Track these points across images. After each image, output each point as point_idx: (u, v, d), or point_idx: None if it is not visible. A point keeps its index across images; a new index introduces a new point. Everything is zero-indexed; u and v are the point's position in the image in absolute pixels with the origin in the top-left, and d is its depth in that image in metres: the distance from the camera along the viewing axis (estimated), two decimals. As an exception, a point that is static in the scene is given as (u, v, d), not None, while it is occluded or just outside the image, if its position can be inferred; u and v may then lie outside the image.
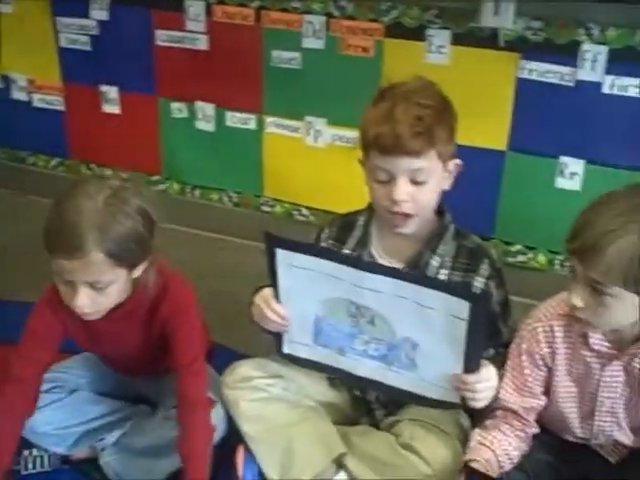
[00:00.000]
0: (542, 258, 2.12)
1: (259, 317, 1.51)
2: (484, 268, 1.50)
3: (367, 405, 1.64)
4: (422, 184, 1.42)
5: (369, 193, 1.49)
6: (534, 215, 2.09)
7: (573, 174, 2.01)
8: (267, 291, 1.48)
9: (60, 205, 1.36)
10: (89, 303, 1.39)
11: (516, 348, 1.48)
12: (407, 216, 1.45)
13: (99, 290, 1.38)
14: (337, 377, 1.58)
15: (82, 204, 1.33)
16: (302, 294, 1.44)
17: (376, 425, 1.60)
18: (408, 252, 1.53)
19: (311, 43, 2.16)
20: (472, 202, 2.14)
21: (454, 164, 1.49)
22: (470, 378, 1.35)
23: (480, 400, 1.38)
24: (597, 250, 1.22)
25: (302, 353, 1.53)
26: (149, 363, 1.67)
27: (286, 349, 1.55)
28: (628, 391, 1.44)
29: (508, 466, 1.42)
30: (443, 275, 1.51)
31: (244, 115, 2.33)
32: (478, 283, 1.50)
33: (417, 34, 2.03)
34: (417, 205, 1.44)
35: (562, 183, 2.03)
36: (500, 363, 1.44)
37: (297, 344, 1.53)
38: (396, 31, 2.05)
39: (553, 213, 2.05)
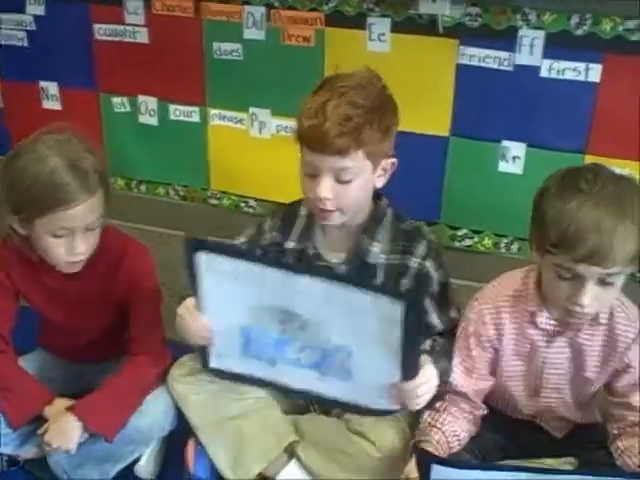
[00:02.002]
0: (488, 241, 2.15)
1: (182, 330, 1.46)
2: (421, 249, 1.53)
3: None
4: (347, 182, 1.43)
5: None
6: (478, 199, 2.11)
7: (515, 158, 2.04)
8: (189, 301, 1.44)
9: (27, 170, 1.46)
10: (86, 248, 1.52)
11: (463, 331, 1.51)
12: (331, 211, 1.46)
13: (92, 231, 1.52)
14: (271, 389, 1.54)
15: (51, 161, 1.48)
16: (227, 302, 1.39)
17: (327, 412, 1.61)
18: (349, 242, 1.54)
19: (252, 34, 2.14)
20: (417, 188, 2.16)
21: (389, 163, 1.50)
22: (409, 385, 1.33)
23: (421, 403, 1.37)
24: (612, 249, 1.25)
25: (231, 366, 1.48)
26: (104, 342, 1.67)
27: (213, 363, 1.49)
28: (573, 367, 1.48)
29: (457, 447, 1.45)
30: (382, 259, 1.52)
31: (187, 108, 2.31)
32: (414, 263, 1.52)
33: (357, 23, 2.03)
34: (341, 202, 1.45)
35: (505, 167, 2.05)
36: (439, 355, 1.44)
37: (225, 357, 1.47)
38: (336, 20, 2.05)
39: (497, 197, 2.08)
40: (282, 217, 1.63)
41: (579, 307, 1.32)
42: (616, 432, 1.47)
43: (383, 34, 2.03)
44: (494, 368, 1.51)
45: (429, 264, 1.53)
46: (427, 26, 1.97)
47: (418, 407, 1.38)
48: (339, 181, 1.43)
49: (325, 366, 1.41)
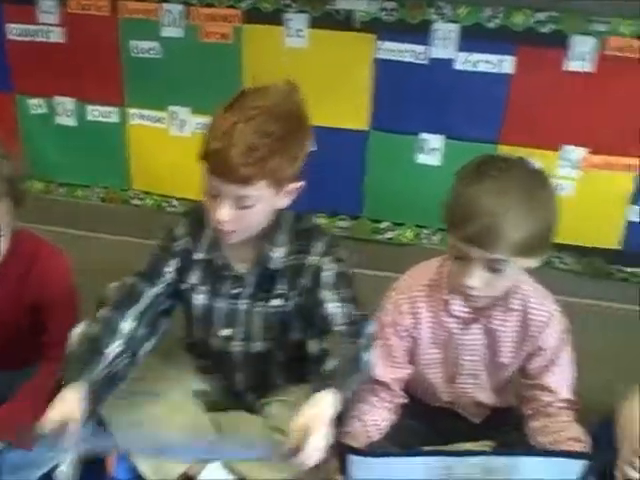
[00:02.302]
0: (410, 233, 2.18)
1: None
2: (319, 246, 1.50)
3: (236, 391, 1.65)
4: (248, 208, 1.39)
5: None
6: (399, 192, 2.14)
7: (433, 150, 2.07)
8: None
9: None
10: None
11: (380, 320, 1.52)
12: (227, 233, 1.43)
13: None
14: None
15: None
16: None
17: (249, 409, 1.61)
18: (254, 250, 1.51)
19: (170, 32, 2.12)
20: (339, 183, 2.18)
21: (295, 186, 1.45)
22: None
23: None
24: (498, 233, 1.26)
25: None
26: (20, 347, 1.64)
27: None
28: (488, 353, 1.51)
29: (377, 436, 1.46)
30: (282, 263, 1.50)
31: (106, 108, 2.27)
32: (312, 261, 1.49)
33: (275, 19, 2.03)
34: (239, 225, 1.42)
35: (423, 159, 2.08)
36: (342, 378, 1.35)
37: None
38: (254, 17, 2.04)
39: (417, 189, 2.11)
40: (191, 223, 1.57)
41: (468, 289, 1.34)
42: (530, 413, 1.50)
43: (301, 30, 2.03)
44: (412, 357, 1.53)
45: (326, 259, 1.50)
46: (344, 21, 1.99)
47: None
48: (239, 207, 1.38)
49: None
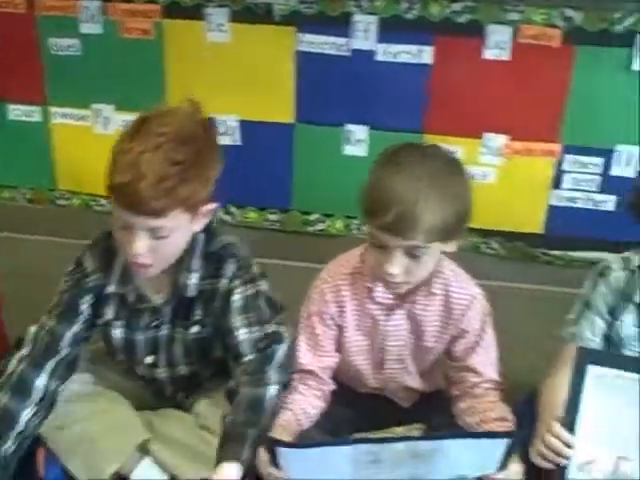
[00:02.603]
0: (339, 224, 2.20)
1: None
2: (229, 269, 1.47)
3: (164, 389, 1.64)
4: (164, 238, 1.34)
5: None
6: (327, 183, 2.16)
7: (359, 141, 2.09)
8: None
9: None
10: None
11: (307, 310, 1.53)
12: (143, 267, 1.39)
13: None
14: None
15: None
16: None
17: (178, 406, 1.61)
18: (170, 278, 1.48)
19: (89, 28, 2.09)
20: (268, 177, 2.19)
21: (208, 209, 1.41)
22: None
23: None
24: (414, 220, 1.28)
25: None
26: None
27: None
28: (413, 338, 1.53)
29: (307, 424, 1.47)
30: (195, 290, 1.47)
31: (27, 108, 2.23)
32: (223, 285, 1.47)
33: (196, 13, 2.02)
34: (157, 257, 1.37)
35: (350, 150, 2.10)
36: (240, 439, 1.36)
37: None
38: (174, 11, 2.03)
39: (344, 180, 2.12)
40: (100, 255, 1.49)
41: (388, 276, 1.37)
42: (457, 394, 1.53)
43: (222, 24, 2.03)
44: (339, 344, 1.55)
45: (236, 282, 1.47)
46: (265, 15, 1.99)
47: None
48: (155, 238, 1.33)
49: None
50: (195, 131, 1.35)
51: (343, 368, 1.58)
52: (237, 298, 1.47)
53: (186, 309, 1.50)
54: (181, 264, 1.46)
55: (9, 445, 1.41)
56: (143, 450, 1.51)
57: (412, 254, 1.34)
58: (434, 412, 1.58)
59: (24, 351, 1.49)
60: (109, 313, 1.52)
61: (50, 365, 1.48)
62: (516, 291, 2.21)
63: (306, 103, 2.08)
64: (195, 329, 1.51)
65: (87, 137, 2.22)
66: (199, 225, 1.42)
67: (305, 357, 1.52)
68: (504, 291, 2.20)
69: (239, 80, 2.07)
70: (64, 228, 2.25)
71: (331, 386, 1.55)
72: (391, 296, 1.49)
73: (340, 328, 1.53)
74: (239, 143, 2.14)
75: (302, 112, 2.09)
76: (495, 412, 1.46)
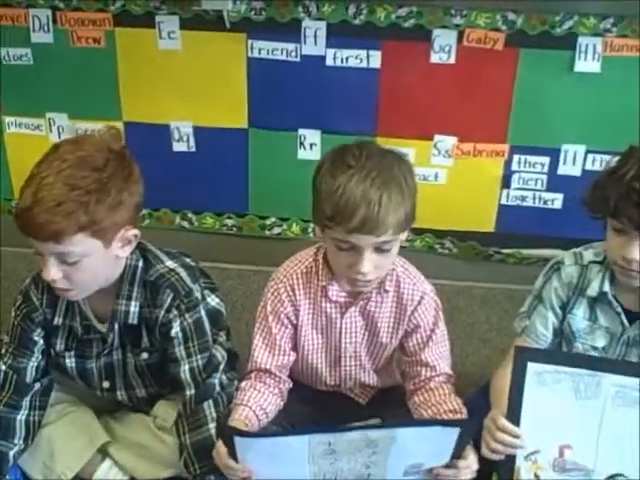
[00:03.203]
0: (296, 228, 2.22)
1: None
2: (167, 301, 1.48)
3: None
4: (75, 264, 1.34)
5: None
6: (283, 187, 2.18)
7: (312, 145, 2.12)
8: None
9: None
10: None
11: (262, 310, 1.56)
12: (67, 290, 1.40)
13: None
14: None
15: None
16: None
17: (137, 409, 1.62)
18: (110, 306, 1.49)
19: (40, 38, 2.09)
20: (224, 182, 2.21)
21: (130, 235, 1.41)
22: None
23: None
24: (381, 217, 1.33)
25: None
26: None
27: None
28: (367, 335, 1.57)
29: (265, 420, 1.49)
30: (137, 317, 1.49)
31: (-20, 118, 2.22)
32: (162, 316, 1.48)
33: (146, 21, 2.03)
34: (73, 284, 1.38)
35: (303, 154, 2.13)
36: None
37: None
38: (125, 20, 2.04)
39: (300, 183, 2.11)
40: (44, 288, 1.51)
41: (361, 275, 1.40)
42: (412, 388, 1.56)
43: (173, 32, 2.04)
44: (295, 343, 1.57)
45: (174, 313, 1.48)
46: (215, 22, 2.02)
47: None
48: (66, 263, 1.34)
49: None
50: (105, 158, 1.35)
51: (300, 366, 1.60)
52: (176, 330, 1.49)
53: (135, 336, 1.52)
54: (119, 292, 1.47)
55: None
56: (104, 453, 1.52)
57: (382, 249, 1.38)
58: (390, 407, 1.61)
59: None
60: (59, 344, 1.53)
61: (26, 401, 1.51)
62: (471, 289, 2.26)
63: (259, 108, 2.11)
64: (145, 355, 1.54)
65: (42, 146, 2.15)
66: (122, 251, 1.42)
67: (261, 356, 1.54)
68: (459, 290, 2.26)
69: (192, 87, 2.09)
70: (22, 238, 2.23)
71: (288, 384, 1.57)
72: (344, 294, 1.53)
73: (296, 327, 1.56)
74: (193, 149, 2.16)
75: (256, 117, 2.12)
76: (448, 404, 1.50)
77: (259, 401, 1.49)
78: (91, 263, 1.36)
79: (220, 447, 1.30)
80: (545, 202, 2.15)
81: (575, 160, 2.09)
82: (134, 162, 1.42)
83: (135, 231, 1.42)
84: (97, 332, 1.51)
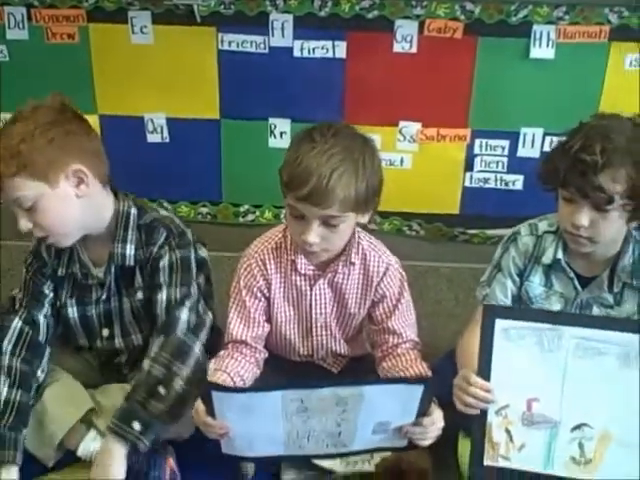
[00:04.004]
0: (268, 214, 2.30)
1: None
2: (161, 238, 1.60)
3: (116, 366, 1.72)
4: (33, 210, 1.46)
5: None
6: (255, 175, 2.26)
7: (282, 133, 2.21)
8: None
9: None
10: None
11: (236, 285, 1.63)
12: (46, 237, 1.52)
13: None
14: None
15: None
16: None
17: (122, 380, 1.69)
18: (107, 252, 1.61)
19: (15, 34, 2.15)
20: (198, 171, 2.28)
21: (74, 170, 1.48)
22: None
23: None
24: (328, 191, 1.40)
25: None
26: None
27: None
28: (336, 306, 1.65)
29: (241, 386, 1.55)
30: (133, 259, 1.60)
31: (-40, 115, 2.28)
32: (155, 253, 1.60)
33: (119, 17, 2.11)
34: (43, 229, 1.50)
35: (274, 142, 2.22)
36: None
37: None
38: (98, 16, 2.11)
39: (271, 171, 2.19)
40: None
41: (307, 245, 1.48)
42: (380, 355, 1.65)
43: (145, 26, 2.12)
44: (269, 316, 1.65)
45: (165, 249, 1.60)
46: (186, 16, 2.10)
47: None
48: (26, 210, 1.46)
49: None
50: (32, 112, 1.49)
51: (274, 338, 1.68)
52: (164, 262, 1.60)
53: (129, 278, 1.62)
54: (115, 236, 1.58)
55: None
56: (88, 423, 1.58)
57: (328, 223, 1.45)
58: (361, 375, 1.69)
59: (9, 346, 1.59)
60: (64, 295, 1.64)
61: (38, 362, 1.61)
62: (438, 269, 2.35)
63: (230, 99, 2.19)
64: (139, 295, 1.63)
65: None
66: (79, 190, 1.50)
67: (237, 328, 1.61)
68: (427, 269, 2.35)
69: (165, 79, 2.16)
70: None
71: (264, 354, 1.65)
72: (313, 267, 1.61)
73: (268, 300, 1.63)
74: (167, 140, 2.24)
75: (227, 108, 2.20)
76: (414, 369, 1.58)
77: (236, 368, 1.56)
78: (48, 205, 1.46)
79: (199, 405, 1.37)
80: (506, 183, 2.25)
81: (534, 142, 2.19)
82: (74, 111, 1.54)
83: (78, 166, 1.48)
84: (95, 278, 1.62)
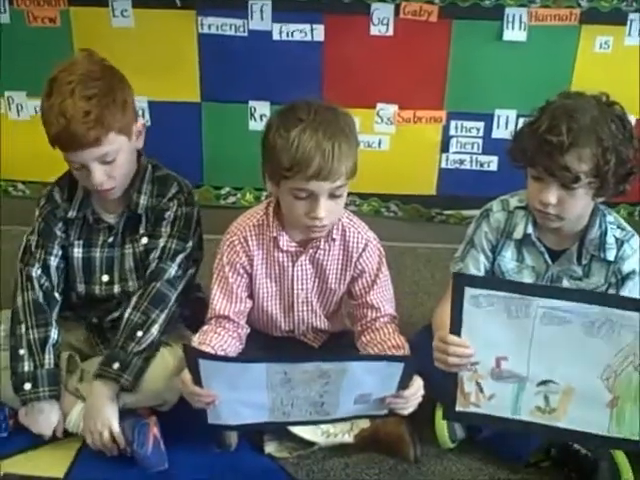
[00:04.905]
0: (249, 196, 2.35)
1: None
2: (172, 191, 1.71)
3: (102, 338, 1.77)
4: (113, 162, 1.57)
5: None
6: (236, 158, 2.31)
7: (262, 116, 2.25)
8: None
9: None
10: None
11: (219, 262, 1.67)
12: (110, 189, 1.61)
13: None
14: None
15: None
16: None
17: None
18: (122, 201, 1.69)
19: (-3, 18, 2.18)
20: (179, 154, 2.29)
21: (139, 125, 1.64)
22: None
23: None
24: (334, 167, 1.46)
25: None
26: None
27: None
28: (317, 282, 1.69)
29: None
30: (143, 207, 1.68)
31: (-59, 97, 2.30)
32: (164, 205, 1.69)
33: (100, 0, 2.14)
34: (114, 181, 1.60)
35: (254, 125, 2.26)
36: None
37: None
38: (79, -1, 2.14)
39: (251, 154, 2.23)
40: (63, 188, 1.72)
41: (318, 221, 1.53)
42: (360, 329, 1.69)
43: (126, 10, 2.15)
44: (251, 292, 1.69)
45: (174, 202, 1.70)
46: (166, 0, 2.12)
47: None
48: (105, 163, 1.55)
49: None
50: (96, 69, 1.56)
51: (257, 314, 1.72)
52: (169, 214, 1.69)
53: (135, 225, 1.70)
54: (132, 187, 1.67)
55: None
56: (76, 396, 1.63)
57: (334, 195, 1.51)
58: (341, 349, 1.74)
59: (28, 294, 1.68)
60: (72, 235, 1.72)
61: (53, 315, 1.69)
62: (415, 249, 2.41)
63: (211, 82, 2.23)
64: (144, 240, 1.70)
65: (2, 124, 2.30)
66: (139, 142, 1.65)
67: (220, 304, 1.65)
68: (405, 250, 2.40)
69: (146, 63, 2.19)
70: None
71: (246, 329, 1.69)
72: (295, 244, 1.65)
73: (251, 276, 1.68)
74: (149, 123, 2.27)
75: (207, 91, 2.24)
76: (392, 341, 1.63)
77: (219, 342, 1.61)
78: (124, 157, 1.59)
79: (185, 374, 1.41)
80: (482, 164, 2.31)
81: (507, 124, 2.25)
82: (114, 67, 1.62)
83: (142, 120, 1.66)
84: (104, 222, 1.71)
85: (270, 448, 1.64)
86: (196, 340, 1.60)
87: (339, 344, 1.78)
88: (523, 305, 1.41)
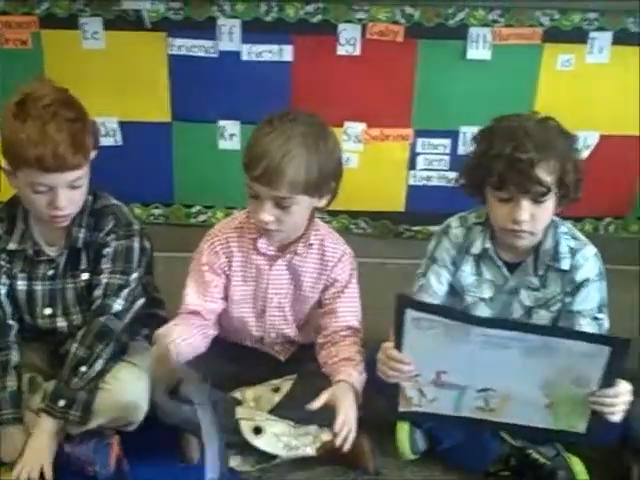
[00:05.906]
0: (220, 214, 2.37)
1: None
2: (108, 225, 1.69)
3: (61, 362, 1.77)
4: (78, 187, 1.59)
5: (23, 198, 1.61)
6: (206, 177, 2.34)
7: (232, 135, 2.28)
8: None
9: None
10: None
11: (197, 261, 1.72)
12: (66, 216, 1.62)
13: None
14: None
15: None
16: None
17: None
18: (63, 233, 1.68)
19: (-32, 40, 2.20)
20: (150, 174, 2.34)
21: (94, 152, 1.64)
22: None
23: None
24: (280, 172, 1.50)
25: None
26: None
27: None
28: (292, 287, 1.73)
29: (186, 352, 1.60)
30: (82, 241, 1.68)
31: None
32: (101, 239, 1.68)
33: (71, 23, 2.16)
34: (76, 207, 1.62)
35: (224, 144, 2.29)
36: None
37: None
38: (50, 22, 2.16)
39: (222, 173, 2.30)
40: (6, 219, 1.70)
41: (263, 223, 1.57)
42: (321, 341, 1.72)
43: (96, 32, 2.18)
44: (225, 294, 1.72)
45: (111, 237, 1.68)
46: (136, 22, 2.16)
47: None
48: (73, 188, 1.57)
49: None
50: (64, 94, 1.60)
51: (228, 321, 1.75)
52: (108, 250, 1.68)
53: (76, 259, 1.70)
54: (73, 219, 1.66)
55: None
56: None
57: (280, 204, 1.54)
58: (305, 363, 1.76)
59: None
60: (15, 267, 1.71)
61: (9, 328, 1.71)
62: (385, 265, 2.43)
63: (181, 102, 2.26)
64: (85, 276, 1.70)
65: None
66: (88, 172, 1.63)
67: (192, 299, 1.69)
68: (375, 266, 2.42)
69: (117, 84, 2.22)
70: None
71: (213, 331, 1.71)
72: (273, 248, 1.69)
73: (228, 278, 1.71)
74: (120, 143, 2.29)
75: (178, 111, 2.26)
76: (344, 353, 1.66)
77: (184, 334, 1.62)
78: (83, 183, 1.60)
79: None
80: (449, 181, 2.34)
81: (473, 141, 2.29)
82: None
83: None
84: (45, 255, 1.69)
85: (233, 462, 1.66)
86: (161, 331, 1.62)
87: (304, 357, 1.80)
88: (463, 331, 1.44)
